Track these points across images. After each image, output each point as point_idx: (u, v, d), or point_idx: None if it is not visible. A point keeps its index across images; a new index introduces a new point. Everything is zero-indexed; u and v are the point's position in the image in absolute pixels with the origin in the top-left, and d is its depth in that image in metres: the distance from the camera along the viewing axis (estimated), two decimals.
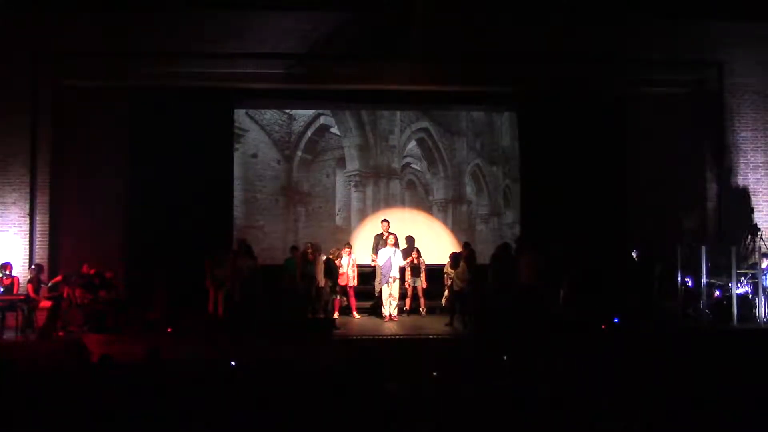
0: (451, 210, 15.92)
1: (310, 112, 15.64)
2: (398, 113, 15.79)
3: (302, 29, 13.12)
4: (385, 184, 15.76)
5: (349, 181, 15.73)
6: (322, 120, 15.72)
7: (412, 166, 15.92)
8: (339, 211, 15.69)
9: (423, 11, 12.48)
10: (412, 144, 15.90)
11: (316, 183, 15.63)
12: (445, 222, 15.86)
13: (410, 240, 14.31)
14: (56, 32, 12.88)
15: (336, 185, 15.72)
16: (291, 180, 15.53)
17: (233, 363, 7.90)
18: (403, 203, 15.77)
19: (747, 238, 13.28)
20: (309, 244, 13.17)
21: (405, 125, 15.90)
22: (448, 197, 15.92)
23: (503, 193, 16.05)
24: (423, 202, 15.86)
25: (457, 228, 15.79)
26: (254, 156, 15.38)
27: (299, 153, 15.60)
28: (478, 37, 13.27)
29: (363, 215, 15.65)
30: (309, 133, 15.68)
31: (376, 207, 15.65)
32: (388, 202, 15.70)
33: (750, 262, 12.90)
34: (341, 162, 15.72)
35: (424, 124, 15.95)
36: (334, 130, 15.72)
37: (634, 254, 13.15)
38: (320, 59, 13.31)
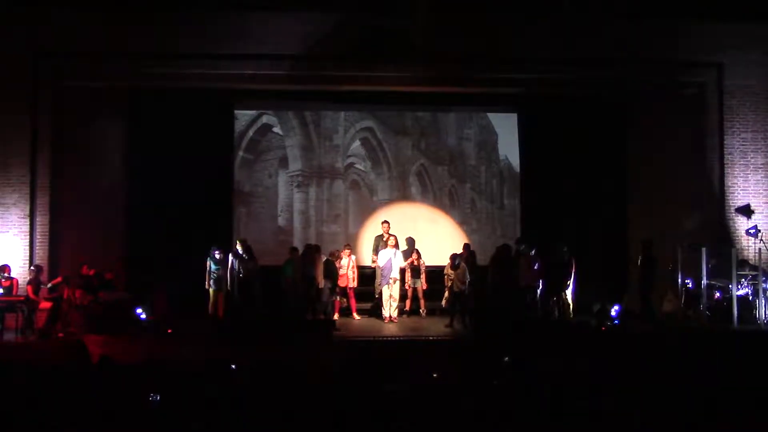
0: (395, 210, 15.63)
1: (253, 111, 15.55)
2: (342, 113, 15.61)
3: (303, 30, 13.11)
4: (329, 184, 15.60)
5: (292, 182, 15.57)
6: (264, 119, 15.59)
7: (356, 166, 15.76)
8: (281, 211, 15.55)
9: (424, 13, 12.49)
10: (357, 144, 15.74)
11: (257, 183, 15.51)
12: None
13: (410, 241, 14.30)
14: (57, 33, 12.88)
15: (278, 186, 15.58)
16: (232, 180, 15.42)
17: (233, 366, 7.89)
18: (346, 203, 15.61)
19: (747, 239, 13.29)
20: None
21: (349, 125, 15.72)
22: (392, 197, 15.75)
23: (449, 193, 15.93)
24: (367, 203, 15.70)
25: (402, 228, 15.40)
26: None
27: (241, 153, 15.49)
28: (479, 39, 13.26)
29: (305, 216, 15.50)
30: (251, 133, 15.58)
31: (319, 208, 15.51)
32: (332, 202, 15.54)
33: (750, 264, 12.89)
34: (284, 162, 15.57)
35: (369, 123, 15.79)
36: (277, 129, 15.59)
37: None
38: (321, 60, 13.29)
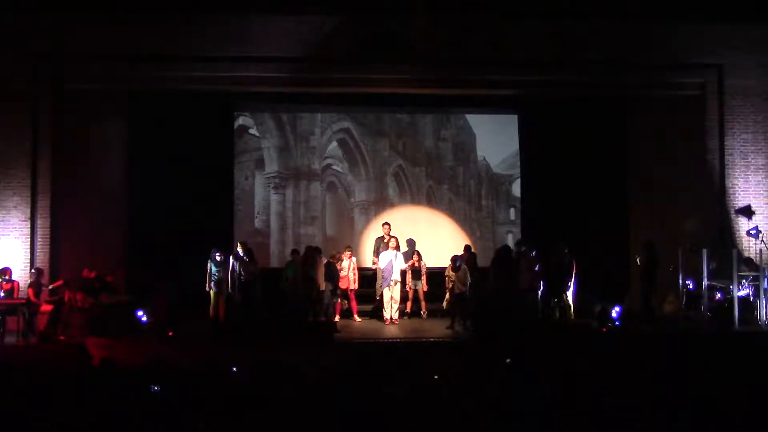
0: (373, 212, 15.65)
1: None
2: (318, 115, 15.51)
3: (303, 32, 13.13)
4: (306, 186, 15.50)
5: (269, 183, 15.50)
6: (240, 120, 15.51)
7: (333, 167, 15.67)
8: (258, 213, 15.49)
9: (423, 15, 12.50)
10: (333, 145, 15.65)
11: (234, 185, 15.39)
12: (366, 224, 15.60)
13: (411, 243, 14.31)
14: (57, 35, 12.90)
15: (255, 187, 15.51)
16: None
17: (234, 369, 7.88)
18: (323, 205, 15.55)
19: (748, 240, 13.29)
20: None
21: (326, 126, 15.62)
22: (369, 199, 15.67)
23: (426, 194, 15.88)
24: (344, 204, 15.64)
25: (379, 230, 15.22)
26: None
27: None
28: (478, 41, 13.29)
29: (282, 218, 15.42)
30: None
31: (296, 210, 15.43)
32: (309, 204, 15.45)
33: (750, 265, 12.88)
34: (260, 163, 15.50)
35: (346, 124, 15.71)
36: (253, 131, 15.52)
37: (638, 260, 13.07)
38: (321, 63, 13.31)
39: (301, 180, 15.52)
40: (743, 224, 13.46)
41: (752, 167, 13.63)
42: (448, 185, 15.95)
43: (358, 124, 15.74)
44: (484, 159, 15.97)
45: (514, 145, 15.93)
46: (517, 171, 15.93)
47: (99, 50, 12.94)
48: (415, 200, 15.77)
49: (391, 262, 13.33)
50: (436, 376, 7.36)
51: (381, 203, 15.70)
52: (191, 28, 13.06)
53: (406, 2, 12.57)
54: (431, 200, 15.84)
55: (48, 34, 12.89)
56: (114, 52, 12.97)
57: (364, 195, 15.69)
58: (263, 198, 15.52)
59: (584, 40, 13.42)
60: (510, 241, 15.12)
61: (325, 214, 15.63)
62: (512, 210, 15.92)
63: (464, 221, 15.89)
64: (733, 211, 13.55)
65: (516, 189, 15.98)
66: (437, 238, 15.34)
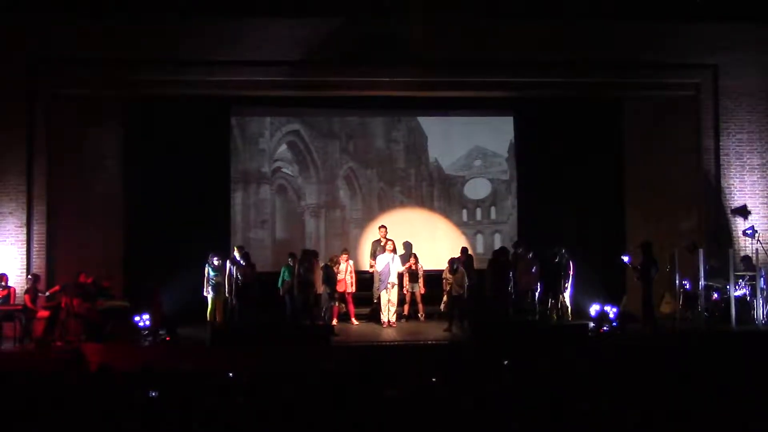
0: (323, 215, 15.47)
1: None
2: (268, 117, 15.30)
3: (299, 36, 13.14)
4: (255, 189, 15.29)
5: None
6: None
7: (283, 170, 15.45)
8: None
9: (419, 18, 12.52)
10: (283, 147, 15.44)
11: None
12: (317, 227, 15.45)
13: (408, 245, 14.30)
14: (52, 40, 12.89)
15: None
16: None
17: (231, 374, 7.88)
18: (273, 208, 15.34)
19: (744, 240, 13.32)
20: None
21: (275, 128, 15.39)
22: (320, 202, 15.44)
23: (378, 196, 15.74)
24: (294, 208, 15.45)
25: (330, 233, 15.39)
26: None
27: None
28: (474, 44, 13.31)
29: (232, 222, 15.20)
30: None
31: (246, 213, 15.28)
32: (258, 207, 15.24)
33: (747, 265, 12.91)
34: None
35: (296, 126, 15.48)
36: None
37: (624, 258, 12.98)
38: (317, 66, 13.32)
39: (250, 183, 15.29)
40: (739, 224, 13.49)
41: (748, 167, 13.66)
42: (400, 187, 15.76)
43: (308, 126, 15.48)
44: (436, 161, 15.83)
45: (465, 146, 15.82)
46: (468, 172, 15.78)
47: (94, 55, 12.94)
48: (366, 203, 15.58)
49: (388, 265, 13.32)
50: (434, 379, 7.36)
51: (332, 206, 15.49)
52: (187, 32, 13.07)
53: (403, 5, 12.60)
54: (382, 202, 15.63)
55: (43, 38, 12.88)
56: (109, 57, 12.96)
57: (314, 198, 15.44)
58: None
59: (580, 41, 13.44)
60: (465, 242, 15.05)
61: (275, 218, 15.42)
62: (464, 211, 15.78)
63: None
64: (729, 211, 13.58)
65: (468, 190, 15.82)
66: (434, 240, 15.32)
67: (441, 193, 15.80)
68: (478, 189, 15.85)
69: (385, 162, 15.74)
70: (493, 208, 15.82)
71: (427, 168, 15.83)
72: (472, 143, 15.84)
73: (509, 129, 15.77)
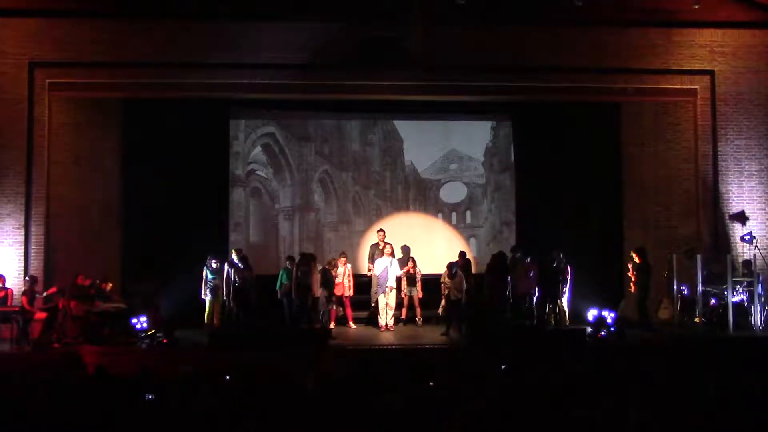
0: (298, 218, 15.37)
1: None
2: (243, 120, 15.22)
3: (299, 40, 13.15)
4: (229, 192, 15.16)
5: None
6: None
7: (258, 173, 15.37)
8: None
9: (420, 22, 12.54)
10: (258, 150, 15.37)
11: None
12: (291, 231, 15.36)
13: (406, 249, 14.30)
14: (51, 43, 12.91)
15: None
16: None
17: (227, 377, 7.88)
18: (247, 211, 15.21)
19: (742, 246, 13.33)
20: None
21: (250, 130, 15.31)
22: (294, 205, 15.36)
23: (352, 200, 15.69)
24: (269, 211, 15.39)
25: (304, 236, 15.31)
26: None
27: None
28: (474, 48, 13.34)
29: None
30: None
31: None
32: (232, 210, 15.13)
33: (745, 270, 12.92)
34: None
35: (270, 129, 15.40)
36: None
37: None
38: (317, 70, 13.33)
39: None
40: (737, 230, 13.51)
41: (746, 173, 13.67)
42: (375, 190, 15.74)
43: (283, 129, 15.40)
44: (412, 164, 15.79)
45: (441, 150, 15.80)
46: (444, 176, 15.79)
47: (93, 58, 12.95)
48: (341, 206, 15.53)
49: (387, 269, 13.32)
50: (431, 383, 7.36)
51: (306, 209, 15.42)
52: (187, 35, 13.09)
53: (403, 10, 12.62)
54: (358, 206, 15.57)
55: (42, 41, 12.90)
56: (108, 60, 12.98)
57: (289, 201, 15.34)
58: None
59: (579, 47, 13.47)
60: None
61: (249, 221, 15.36)
62: (440, 215, 15.78)
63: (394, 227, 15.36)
64: (727, 217, 13.59)
65: (444, 194, 15.83)
66: (432, 244, 15.32)
67: (417, 197, 15.78)
68: (453, 193, 15.84)
69: (361, 165, 15.68)
70: (468, 212, 15.85)
71: (403, 171, 15.80)
72: (448, 147, 15.84)
73: (486, 133, 15.79)
